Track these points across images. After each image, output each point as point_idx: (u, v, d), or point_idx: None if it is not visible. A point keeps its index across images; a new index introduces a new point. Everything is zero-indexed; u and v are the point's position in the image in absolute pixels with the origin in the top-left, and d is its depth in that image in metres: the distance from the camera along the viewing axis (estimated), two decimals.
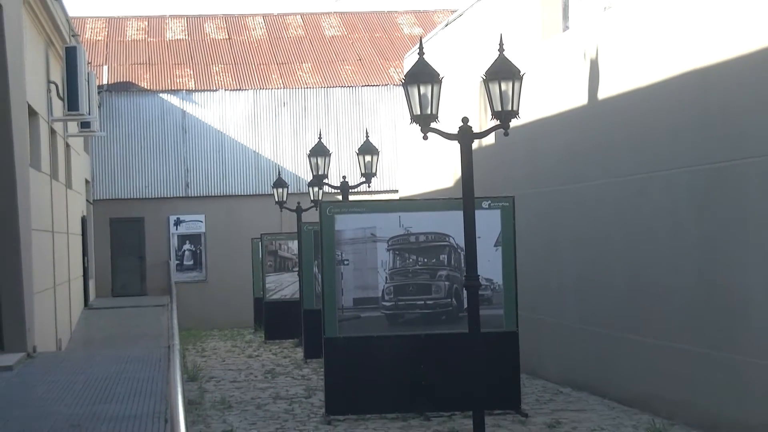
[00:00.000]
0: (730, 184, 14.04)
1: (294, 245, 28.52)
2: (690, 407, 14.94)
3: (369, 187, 25.05)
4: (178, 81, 40.64)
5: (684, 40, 15.19)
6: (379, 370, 16.14)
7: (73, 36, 27.39)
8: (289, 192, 29.97)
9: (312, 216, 24.00)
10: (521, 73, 13.92)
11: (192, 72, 41.34)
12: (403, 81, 14.17)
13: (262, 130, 39.73)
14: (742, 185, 13.75)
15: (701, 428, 14.46)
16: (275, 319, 29.78)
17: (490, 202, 16.32)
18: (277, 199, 29.34)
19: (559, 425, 15.22)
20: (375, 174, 24.23)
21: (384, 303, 16.33)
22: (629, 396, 16.76)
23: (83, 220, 33.29)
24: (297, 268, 27.23)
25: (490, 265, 15.73)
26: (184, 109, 39.50)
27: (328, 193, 26.45)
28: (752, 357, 13.51)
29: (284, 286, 29.77)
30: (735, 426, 13.78)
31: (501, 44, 14.08)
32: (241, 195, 38.94)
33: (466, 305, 14.41)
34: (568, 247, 19.35)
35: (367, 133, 25.21)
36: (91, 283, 35.39)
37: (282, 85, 40.54)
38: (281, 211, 29.68)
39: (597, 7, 21.35)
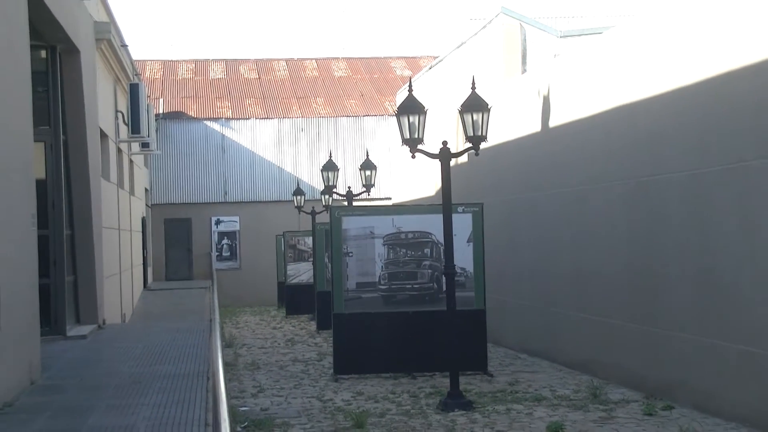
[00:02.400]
0: (653, 193, 14.04)
1: (309, 241, 28.31)
2: (621, 369, 14.93)
3: (369, 195, 24.97)
4: (218, 111, 40.59)
5: (616, 81, 15.20)
6: (376, 339, 16.08)
7: (135, 75, 27.40)
8: (306, 199, 30.00)
9: (323, 218, 23.90)
10: (489, 106, 13.97)
11: (229, 104, 41.31)
12: (396, 112, 14.20)
13: (285, 150, 39.72)
14: (662, 194, 13.77)
15: (629, 386, 14.38)
16: (294, 299, 29.61)
17: (463, 207, 16.25)
18: (296, 205, 29.47)
19: (517, 383, 15.16)
20: (373, 185, 24.12)
21: (380, 286, 16.30)
22: (573, 360, 16.72)
23: (143, 220, 33.12)
24: (312, 259, 27.00)
25: (463, 257, 15.68)
26: (223, 133, 39.45)
27: (336, 199, 26.46)
28: (668, 329, 13.56)
29: (301, 272, 29.51)
30: (655, 383, 13.79)
31: (473, 83, 14.17)
32: (267, 201, 38.89)
33: (444, 289, 14.35)
34: (524, 243, 19.30)
35: (367, 152, 25.08)
36: (150, 270, 35.15)
37: (300, 115, 40.53)
38: (299, 213, 29.73)
39: (548, 54, 21.59)
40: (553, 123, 17.84)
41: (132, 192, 28.22)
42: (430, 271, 16.29)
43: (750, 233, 11.66)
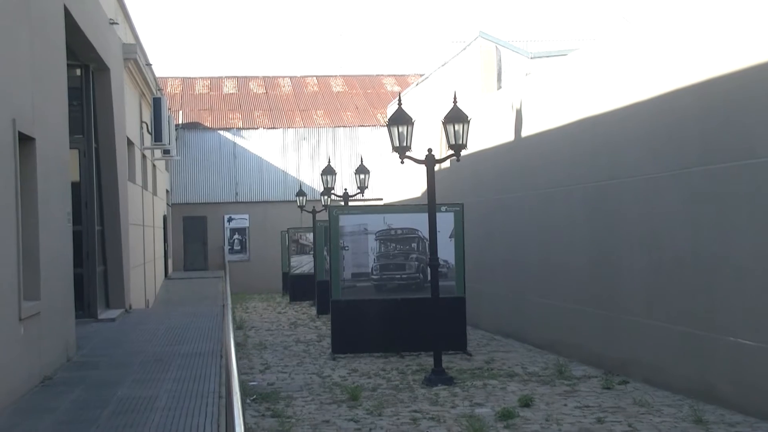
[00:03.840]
0: (610, 196, 14.05)
1: (310, 236, 28.00)
2: (582, 349, 14.94)
3: (363, 196, 25.04)
4: (230, 122, 40.46)
5: (579, 97, 15.17)
6: (369, 323, 15.97)
7: (158, 90, 27.30)
8: (307, 199, 29.82)
9: (323, 216, 23.81)
10: (469, 118, 13.91)
11: (240, 116, 41.18)
12: (387, 123, 14.15)
13: (289, 156, 39.62)
14: (618, 197, 13.79)
15: (590, 364, 14.39)
16: (297, 287, 29.40)
17: (446, 207, 16.13)
18: (298, 204, 29.31)
19: (493, 361, 15.11)
20: (367, 187, 24.10)
21: (373, 276, 16.21)
22: (541, 341, 16.68)
23: (164, 218, 33.00)
24: (312, 252, 26.82)
25: (446, 251, 15.55)
26: (235, 141, 39.35)
27: (334, 200, 26.45)
28: (623, 314, 13.60)
29: (303, 264, 29.26)
30: (612, 361, 13.80)
31: (455, 98, 14.12)
32: (273, 201, 38.74)
33: (429, 278, 14.31)
34: (499, 238, 19.24)
35: (361, 158, 25.17)
36: (170, 261, 34.99)
37: (303, 125, 40.41)
38: (301, 212, 29.52)
39: (521, 73, 21.64)
40: (524, 133, 17.84)
41: (155, 193, 28.15)
42: (416, 263, 16.21)
43: (693, 231, 11.72)
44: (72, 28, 13.85)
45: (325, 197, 26.34)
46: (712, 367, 11.25)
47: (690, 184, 11.79)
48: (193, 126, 39.73)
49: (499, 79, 22.91)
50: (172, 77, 45.11)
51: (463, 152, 14.10)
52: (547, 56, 21.95)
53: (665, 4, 13.05)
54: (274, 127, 40.15)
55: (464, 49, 24.74)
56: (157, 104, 24.50)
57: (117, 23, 19.49)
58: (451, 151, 13.85)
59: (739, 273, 10.74)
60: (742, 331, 10.63)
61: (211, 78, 45.68)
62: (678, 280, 12.11)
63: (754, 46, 10.37)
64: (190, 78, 45.50)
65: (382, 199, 33.96)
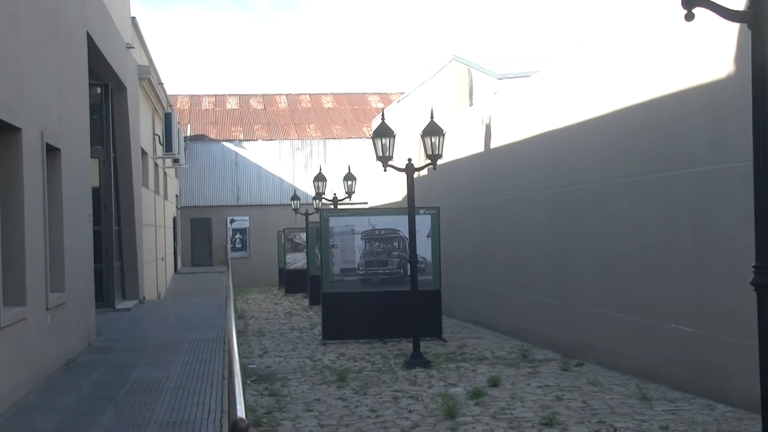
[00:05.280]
0: (569, 200, 14.06)
1: (303, 235, 28.17)
2: (544, 335, 14.97)
3: (350, 200, 25.07)
4: (233, 134, 40.42)
5: (541, 113, 15.19)
6: (356, 312, 15.93)
7: (169, 106, 27.29)
8: (301, 203, 29.84)
9: (315, 218, 23.86)
10: (444, 132, 13.89)
11: (242, 129, 41.15)
12: (371, 136, 14.12)
13: (284, 165, 39.59)
14: (576, 200, 13.80)
15: (550, 348, 14.43)
16: (291, 281, 29.34)
17: (424, 210, 16.07)
18: (293, 207, 29.37)
19: (465, 347, 15.15)
20: (354, 192, 24.17)
21: (359, 272, 16.17)
22: (507, 329, 16.67)
23: (174, 219, 32.98)
24: (305, 249, 26.99)
25: (424, 249, 15.49)
26: (236, 151, 39.32)
27: (324, 203, 26.54)
28: (579, 304, 13.65)
29: (297, 260, 29.16)
30: (570, 345, 13.84)
31: (431, 114, 14.09)
32: (271, 204, 38.70)
33: (409, 273, 14.31)
34: (471, 237, 19.17)
35: (349, 167, 25.10)
36: (179, 258, 34.99)
37: (297, 137, 40.42)
38: (296, 214, 29.62)
39: (490, 92, 21.69)
40: (493, 145, 17.82)
41: (165, 197, 28.10)
42: (397, 259, 16.16)
43: (639, 231, 11.81)
44: (93, 52, 13.89)
45: (317, 201, 26.44)
46: (656, 351, 11.32)
47: (637, 190, 11.86)
48: (199, 138, 39.67)
49: (470, 97, 22.97)
50: (181, 95, 45.05)
51: (439, 162, 14.08)
52: (513, 77, 22.03)
53: (616, 33, 13.16)
54: (271, 139, 40.14)
55: (440, 70, 24.81)
56: (168, 119, 24.54)
57: (133, 47, 19.51)
58: (429, 161, 13.85)
59: (678, 268, 10.83)
60: (683, 319, 10.72)
61: (215, 95, 45.63)
62: (627, 275, 12.17)
63: (691, 70, 10.50)
64: (197, 95, 45.45)
65: (367, 203, 33.97)
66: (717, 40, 9.88)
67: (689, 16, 4.74)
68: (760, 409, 4.87)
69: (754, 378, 5.07)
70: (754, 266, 4.87)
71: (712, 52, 10.03)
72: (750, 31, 4.91)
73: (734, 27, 9.37)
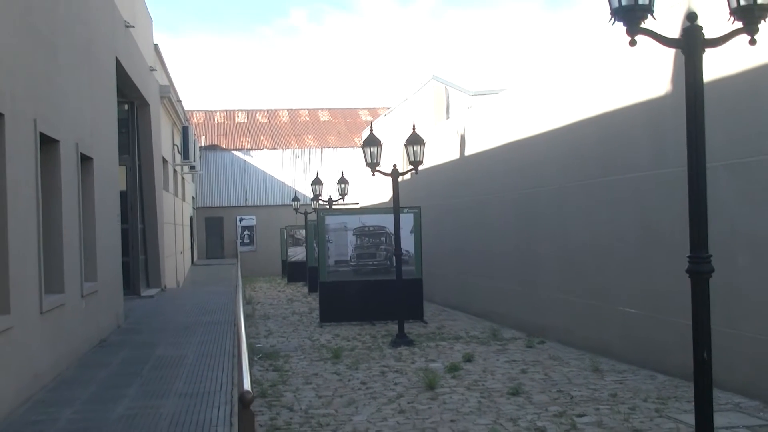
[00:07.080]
0: (533, 201, 14.00)
1: (302, 232, 28.01)
2: (511, 317, 14.88)
3: (343, 201, 25.07)
4: (241, 144, 40.18)
5: (508, 125, 15.15)
6: (348, 299, 15.81)
7: (186, 120, 27.30)
8: (300, 203, 29.75)
9: (313, 216, 23.79)
10: (424, 141, 13.81)
11: (249, 140, 40.95)
12: (362, 145, 13.99)
13: (286, 171, 39.44)
14: (539, 201, 13.74)
15: (516, 328, 14.37)
16: (293, 272, 29.06)
17: (407, 209, 15.95)
18: (294, 208, 29.28)
19: (444, 328, 15.05)
20: (347, 194, 24.12)
21: (351, 263, 15.99)
22: (479, 312, 16.59)
23: (191, 218, 32.84)
24: (305, 244, 26.77)
25: (407, 243, 15.46)
26: (245, 159, 39.12)
27: (321, 204, 26.52)
28: (541, 290, 13.62)
29: (298, 253, 28.88)
30: (533, 326, 13.77)
31: (414, 126, 14.04)
32: (274, 205, 38.49)
33: (394, 264, 14.21)
34: (448, 233, 18.98)
35: (342, 172, 25.10)
36: (195, 252, 34.83)
37: (297, 147, 40.27)
38: (296, 213, 29.44)
39: (464, 107, 21.67)
40: (467, 153, 17.73)
41: (183, 199, 27.98)
42: (385, 252, 16.03)
43: (592, 227, 11.84)
44: (121, 74, 13.88)
45: (314, 202, 26.40)
46: (607, 330, 11.36)
47: (590, 192, 11.88)
48: (212, 148, 39.46)
49: (447, 111, 23.01)
50: (197, 110, 44.83)
51: (421, 167, 14.02)
52: (484, 94, 21.99)
53: (572, 54, 13.21)
54: (275, 148, 39.97)
55: (421, 88, 24.88)
56: (185, 131, 24.54)
57: (155, 69, 19.48)
58: (411, 167, 13.78)
59: (625, 259, 10.88)
60: (628, 302, 10.77)
61: (226, 110, 45.42)
62: (581, 264, 12.19)
63: (635, 89, 10.56)
64: (210, 111, 45.21)
65: (358, 203, 33.92)
66: (657, 64, 9.95)
67: (632, 42, 4.81)
68: (693, 378, 4.96)
69: (689, 352, 5.16)
70: (688, 256, 4.95)
71: (653, 74, 10.10)
72: (683, 56, 5.00)
73: (671, 52, 9.47)
